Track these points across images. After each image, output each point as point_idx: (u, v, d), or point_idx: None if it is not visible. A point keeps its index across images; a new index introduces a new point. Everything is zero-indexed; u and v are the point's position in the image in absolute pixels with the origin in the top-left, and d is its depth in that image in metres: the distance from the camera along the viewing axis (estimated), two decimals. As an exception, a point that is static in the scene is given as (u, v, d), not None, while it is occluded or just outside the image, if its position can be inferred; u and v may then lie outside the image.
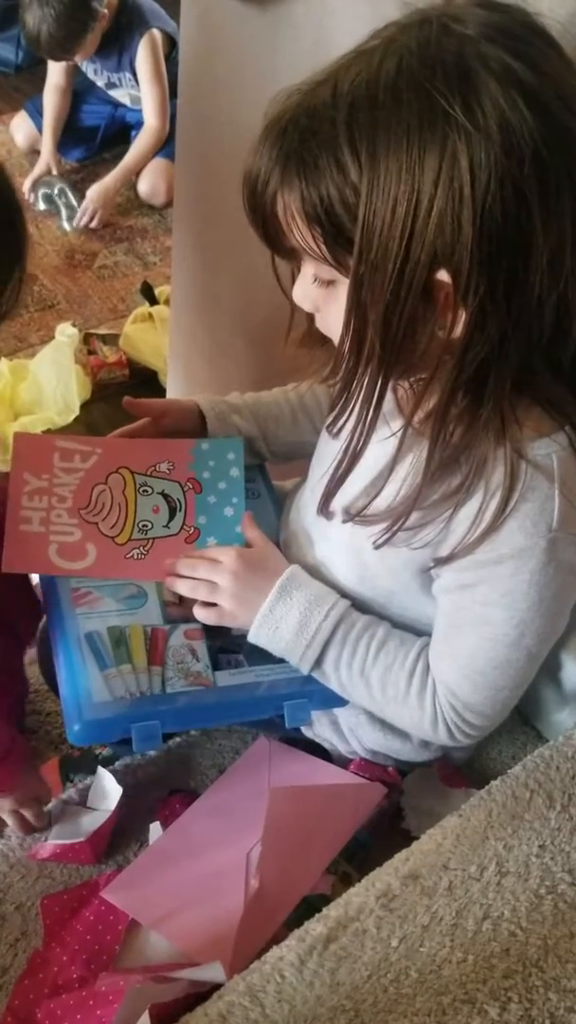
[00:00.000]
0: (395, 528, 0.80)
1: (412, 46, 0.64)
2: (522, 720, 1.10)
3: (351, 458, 0.80)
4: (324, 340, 0.85)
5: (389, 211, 0.64)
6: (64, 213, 2.65)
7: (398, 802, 1.00)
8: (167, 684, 0.89)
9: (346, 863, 0.95)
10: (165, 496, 0.97)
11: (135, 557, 0.94)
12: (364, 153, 0.64)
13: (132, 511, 0.96)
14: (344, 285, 0.71)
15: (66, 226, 2.65)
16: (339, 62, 0.68)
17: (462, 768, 1.05)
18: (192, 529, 0.96)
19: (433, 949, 0.76)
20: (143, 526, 0.95)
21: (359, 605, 0.91)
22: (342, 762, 1.03)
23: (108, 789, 1.03)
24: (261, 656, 0.92)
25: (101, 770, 1.04)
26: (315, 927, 0.78)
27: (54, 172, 2.72)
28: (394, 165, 0.63)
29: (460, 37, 0.64)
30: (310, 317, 0.82)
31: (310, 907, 0.84)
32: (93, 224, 2.64)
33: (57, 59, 2.65)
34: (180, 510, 0.97)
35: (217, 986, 0.77)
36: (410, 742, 0.97)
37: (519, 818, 0.86)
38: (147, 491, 0.96)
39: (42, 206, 2.69)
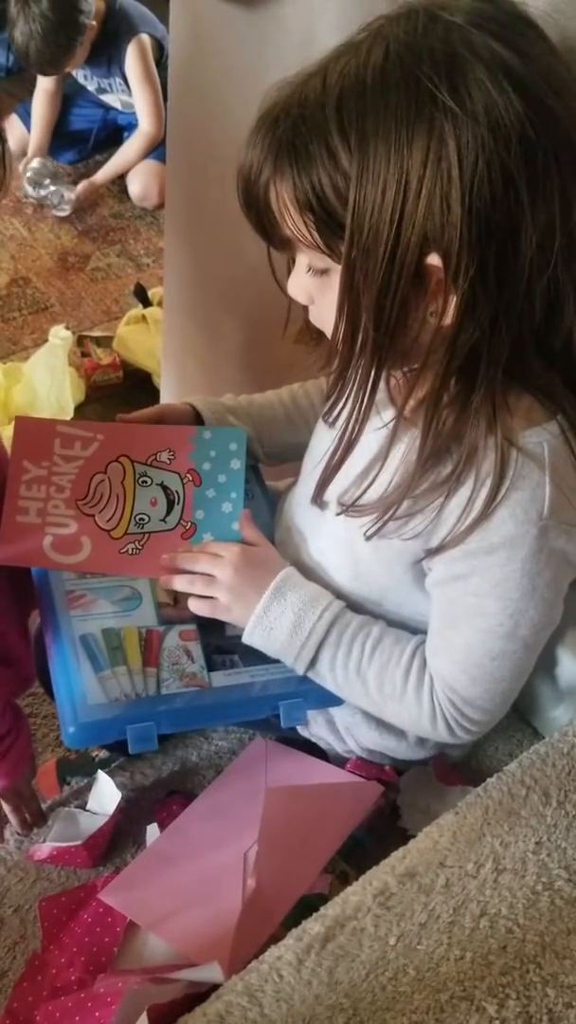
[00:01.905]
0: (386, 517, 0.80)
1: (399, 34, 0.66)
2: (518, 717, 1.10)
3: (346, 446, 0.81)
4: (320, 336, 0.85)
5: (379, 194, 0.65)
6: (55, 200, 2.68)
7: (395, 800, 1.00)
8: (162, 685, 0.89)
9: (343, 862, 0.95)
10: (164, 488, 0.96)
11: (130, 552, 0.94)
12: (354, 138, 0.65)
13: (130, 503, 0.95)
14: (338, 273, 0.72)
15: (56, 210, 2.67)
16: (329, 54, 0.69)
17: (458, 766, 1.05)
18: (189, 524, 0.96)
19: (431, 947, 0.76)
20: (140, 519, 0.95)
21: (354, 605, 0.91)
22: (339, 761, 1.03)
23: (107, 793, 1.03)
24: (256, 656, 0.92)
25: (101, 774, 1.04)
26: (313, 926, 0.78)
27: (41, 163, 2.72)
28: (383, 148, 0.64)
29: (447, 24, 0.65)
30: (306, 312, 0.83)
31: (308, 906, 0.84)
32: (60, 210, 2.66)
33: (47, 75, 2.64)
34: (178, 503, 0.96)
35: (215, 986, 0.77)
36: (406, 740, 0.98)
37: (515, 815, 0.86)
38: (146, 482, 0.96)
39: (31, 191, 2.70)
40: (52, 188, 2.66)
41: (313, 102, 0.67)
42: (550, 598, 0.81)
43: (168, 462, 0.97)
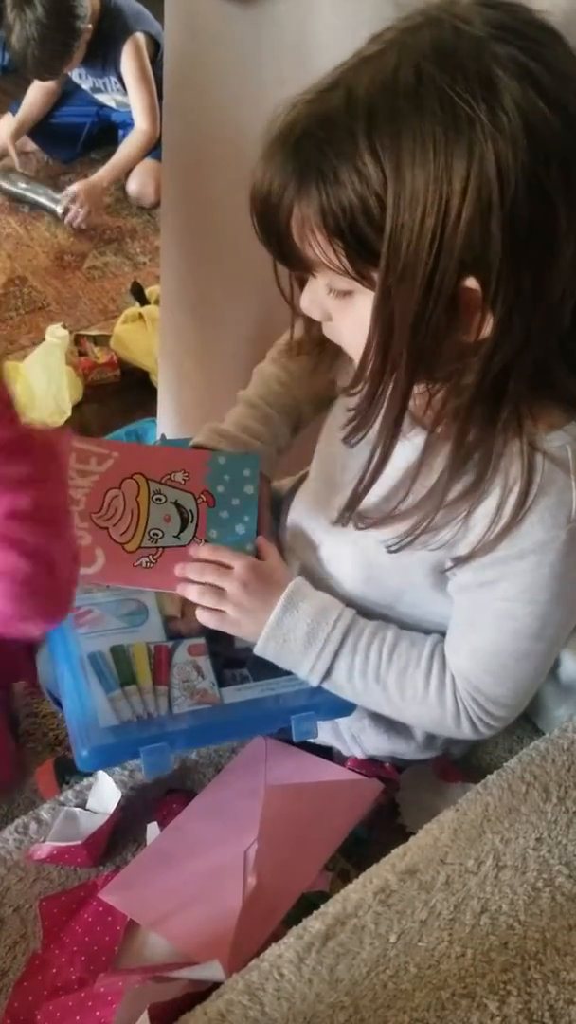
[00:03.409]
0: (417, 532, 0.79)
1: (426, 50, 0.63)
2: (520, 715, 1.10)
3: (379, 464, 0.79)
4: (322, 345, 0.85)
5: (417, 222, 0.63)
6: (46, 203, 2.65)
7: (394, 798, 1.00)
8: (174, 704, 0.89)
9: (344, 859, 0.95)
10: (178, 506, 0.96)
11: (143, 565, 0.93)
12: (388, 163, 0.63)
13: (144, 518, 0.95)
14: (362, 295, 0.70)
15: (55, 208, 2.64)
16: (344, 68, 0.66)
17: (458, 763, 1.05)
18: (202, 542, 0.95)
19: (431, 944, 0.76)
20: (154, 534, 0.95)
21: (365, 607, 0.90)
22: (341, 760, 1.03)
23: (107, 792, 1.02)
24: (266, 668, 0.92)
25: (101, 773, 1.04)
26: (313, 924, 0.78)
27: (15, 157, 2.69)
28: (421, 175, 0.62)
29: (473, 39, 0.62)
30: (307, 322, 0.82)
31: (309, 904, 0.84)
32: (79, 222, 2.60)
33: (44, 79, 2.63)
34: (192, 521, 0.96)
35: (216, 985, 0.77)
36: (415, 742, 0.97)
37: (516, 811, 0.86)
38: (160, 499, 0.96)
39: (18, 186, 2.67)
40: (27, 192, 2.65)
41: (338, 122, 0.64)
42: (575, 597, 0.81)
43: (183, 482, 0.97)
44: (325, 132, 0.65)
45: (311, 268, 0.74)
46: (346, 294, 0.73)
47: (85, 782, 1.07)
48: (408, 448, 0.78)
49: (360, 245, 0.67)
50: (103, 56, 2.61)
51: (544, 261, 0.65)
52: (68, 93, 2.80)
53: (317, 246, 0.69)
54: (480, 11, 0.64)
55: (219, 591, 0.90)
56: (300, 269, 0.76)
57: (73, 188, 2.61)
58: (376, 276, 0.67)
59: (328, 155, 0.65)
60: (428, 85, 0.62)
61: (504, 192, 0.61)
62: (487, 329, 0.68)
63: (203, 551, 0.93)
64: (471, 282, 0.65)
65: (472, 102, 0.61)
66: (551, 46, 0.65)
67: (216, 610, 0.91)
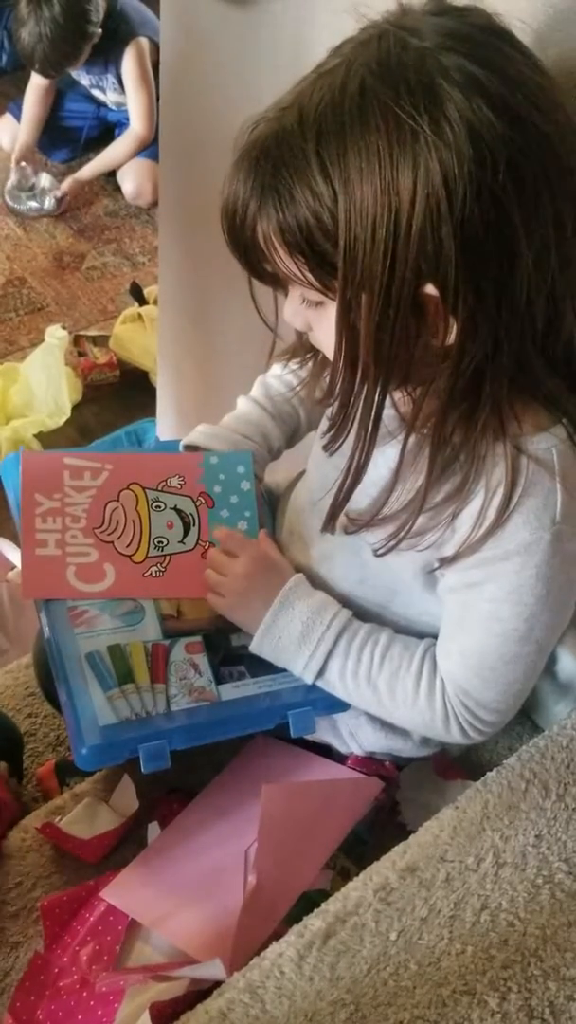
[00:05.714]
0: (401, 535, 0.79)
1: (372, 65, 0.64)
2: (518, 712, 1.10)
3: (355, 473, 0.80)
4: (313, 351, 0.85)
5: (369, 235, 0.64)
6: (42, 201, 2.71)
7: (394, 796, 1.00)
8: (172, 702, 0.89)
9: (344, 858, 0.95)
10: (178, 511, 0.97)
11: (153, 575, 0.94)
12: (337, 180, 0.64)
13: (146, 528, 0.95)
14: (333, 304, 0.71)
15: (35, 204, 2.70)
16: (302, 85, 0.68)
17: (457, 760, 1.05)
18: (207, 544, 0.96)
19: (432, 941, 0.76)
20: (159, 542, 0.95)
21: (360, 607, 0.91)
22: (340, 759, 1.03)
23: (128, 796, 1.02)
24: (263, 665, 0.92)
25: (126, 777, 1.03)
26: (314, 922, 0.78)
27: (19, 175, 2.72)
28: (369, 189, 0.63)
29: (419, 51, 0.63)
30: (296, 330, 0.82)
31: (309, 902, 0.84)
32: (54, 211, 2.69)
33: (48, 76, 2.64)
34: (194, 525, 0.97)
35: (218, 984, 0.77)
36: (411, 740, 0.97)
37: (515, 808, 0.86)
38: (160, 507, 0.96)
39: (26, 204, 2.70)
40: (33, 204, 2.68)
41: (291, 142, 0.66)
42: (563, 600, 0.81)
43: (179, 487, 0.98)
44: (280, 151, 0.67)
45: (282, 282, 0.76)
46: (319, 304, 0.74)
47: (85, 780, 1.07)
48: (394, 450, 0.78)
49: (319, 259, 0.68)
50: (105, 57, 2.63)
51: (503, 266, 0.66)
52: (65, 90, 2.81)
53: (281, 261, 0.71)
54: (432, 20, 0.65)
55: (220, 576, 0.92)
56: (271, 283, 0.78)
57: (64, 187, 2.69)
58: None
59: (283, 174, 0.67)
60: (371, 100, 0.63)
61: (452, 201, 0.62)
62: (452, 334, 0.68)
63: (217, 532, 0.95)
64: (430, 288, 0.66)
65: (415, 115, 0.62)
66: (503, 51, 0.65)
67: (216, 593, 0.92)
